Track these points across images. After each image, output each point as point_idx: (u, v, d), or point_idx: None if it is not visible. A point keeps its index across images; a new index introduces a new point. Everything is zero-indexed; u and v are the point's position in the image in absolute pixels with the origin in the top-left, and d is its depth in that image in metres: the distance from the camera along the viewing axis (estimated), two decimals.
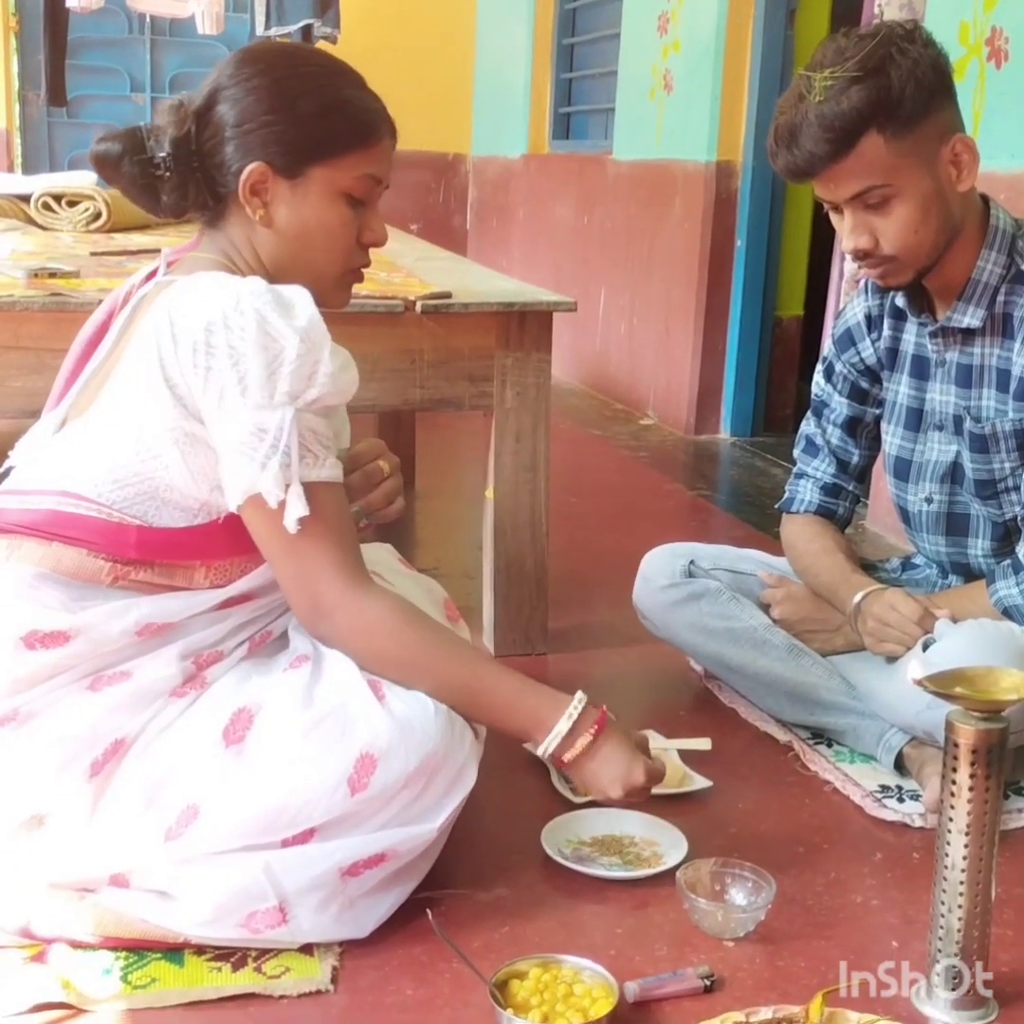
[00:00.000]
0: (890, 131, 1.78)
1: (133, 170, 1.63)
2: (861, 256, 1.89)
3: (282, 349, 1.51)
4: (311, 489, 1.53)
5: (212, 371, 1.50)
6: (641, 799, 1.67)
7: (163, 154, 1.61)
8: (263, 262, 1.65)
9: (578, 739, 1.62)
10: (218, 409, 1.51)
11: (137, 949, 1.51)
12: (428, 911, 1.55)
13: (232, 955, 1.52)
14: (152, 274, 1.70)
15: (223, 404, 1.51)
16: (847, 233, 1.87)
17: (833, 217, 1.91)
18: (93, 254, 2.90)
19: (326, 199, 1.63)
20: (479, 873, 1.71)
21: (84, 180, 3.64)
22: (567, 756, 1.62)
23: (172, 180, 1.62)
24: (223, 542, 1.62)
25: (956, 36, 3.10)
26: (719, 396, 4.86)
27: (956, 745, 1.39)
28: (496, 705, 1.64)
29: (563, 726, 1.61)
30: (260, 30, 5.52)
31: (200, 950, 1.52)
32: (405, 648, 1.61)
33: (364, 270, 1.73)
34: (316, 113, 1.61)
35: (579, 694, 1.65)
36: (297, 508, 1.52)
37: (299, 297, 1.56)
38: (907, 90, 1.77)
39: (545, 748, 1.62)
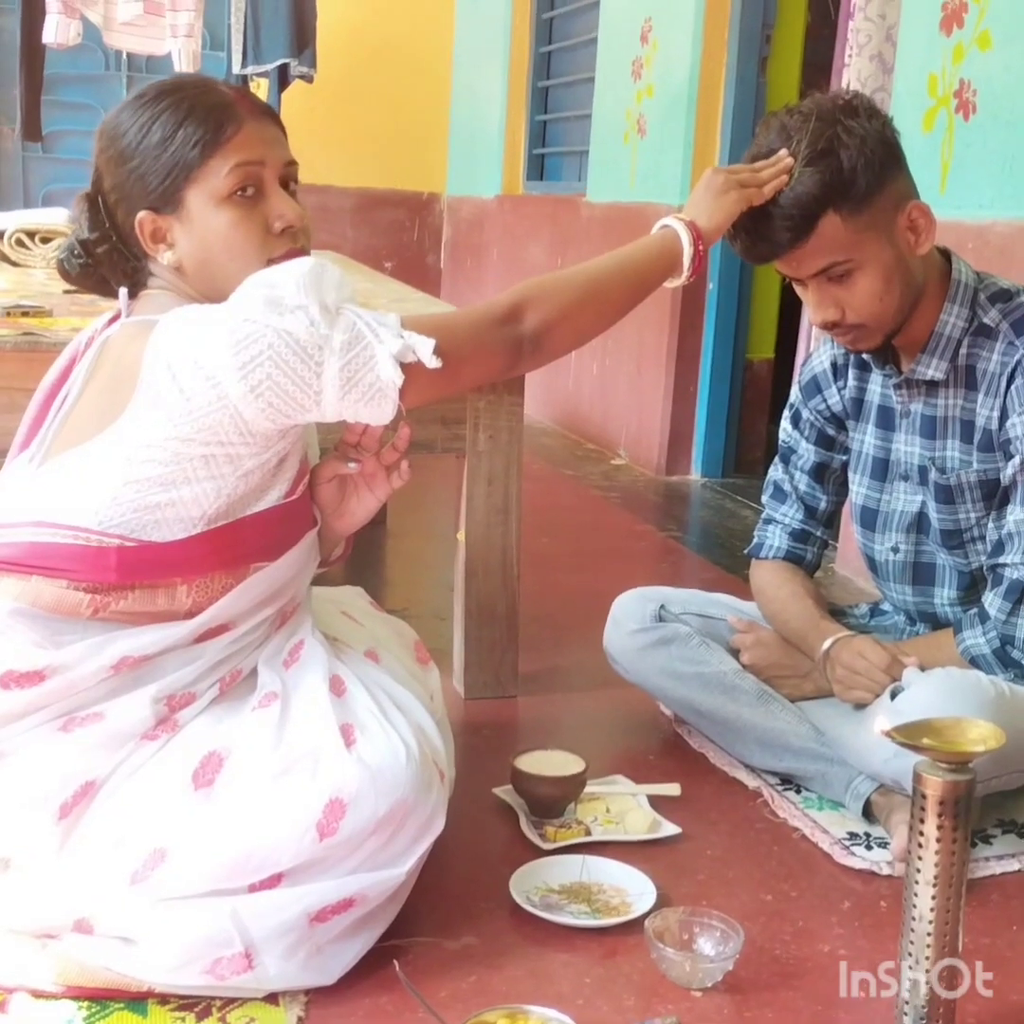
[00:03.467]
0: (846, 210, 1.82)
1: (78, 271, 1.71)
2: (829, 327, 1.93)
3: (304, 282, 1.52)
4: (408, 325, 1.60)
5: (274, 346, 1.49)
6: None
7: (82, 242, 1.68)
8: (202, 294, 1.65)
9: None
10: (308, 360, 1.51)
11: (100, 998, 1.50)
12: (395, 961, 1.54)
13: (196, 1005, 1.50)
14: (115, 318, 1.70)
15: (308, 354, 1.51)
16: (813, 307, 1.91)
17: (797, 288, 1.95)
18: (66, 292, 2.88)
19: (210, 211, 1.62)
20: (447, 921, 1.71)
21: (58, 217, 3.65)
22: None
23: (105, 263, 1.69)
24: (205, 555, 1.61)
25: (925, 87, 3.14)
26: (690, 437, 4.88)
27: (924, 796, 1.39)
28: (642, 275, 1.83)
29: (688, 248, 1.82)
30: (237, 68, 5.57)
31: (164, 1000, 1.50)
32: (574, 296, 1.75)
33: (297, 252, 1.67)
34: (162, 141, 1.61)
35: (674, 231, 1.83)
36: (425, 342, 1.58)
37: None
38: (859, 168, 1.80)
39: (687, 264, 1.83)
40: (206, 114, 1.62)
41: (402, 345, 1.57)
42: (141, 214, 1.62)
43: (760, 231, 1.84)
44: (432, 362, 1.58)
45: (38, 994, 1.49)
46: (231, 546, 1.62)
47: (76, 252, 1.70)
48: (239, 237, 1.62)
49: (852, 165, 1.80)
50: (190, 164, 1.61)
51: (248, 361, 1.49)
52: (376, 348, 1.55)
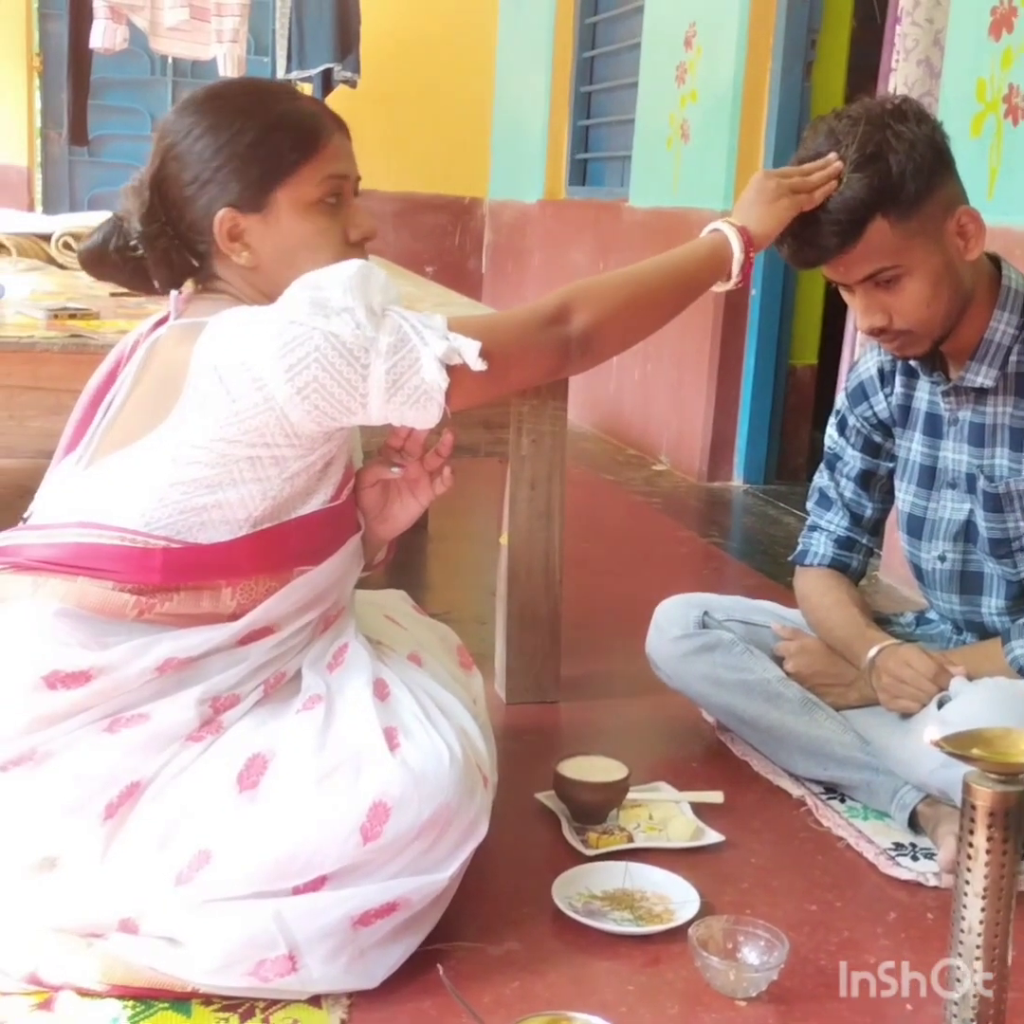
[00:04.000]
0: (895, 215, 1.80)
1: (117, 259, 1.68)
2: (877, 333, 1.91)
3: (352, 285, 1.53)
4: (455, 326, 1.60)
5: (321, 349, 1.50)
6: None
7: (137, 232, 1.65)
8: (267, 295, 1.65)
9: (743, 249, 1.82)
10: (355, 363, 1.52)
11: (145, 998, 1.50)
12: (438, 965, 1.54)
13: (240, 1006, 1.51)
14: (161, 321, 1.71)
15: (354, 356, 1.52)
16: (861, 313, 1.89)
17: (845, 295, 1.93)
18: (113, 295, 2.91)
19: (299, 215, 1.64)
20: (490, 926, 1.70)
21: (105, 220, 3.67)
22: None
23: (153, 255, 1.67)
24: (250, 558, 1.62)
25: (974, 93, 3.12)
26: (732, 443, 4.86)
27: (973, 807, 1.38)
28: (691, 278, 1.83)
29: (738, 253, 1.82)
30: (281, 73, 5.60)
31: (208, 1000, 1.51)
32: (622, 297, 1.75)
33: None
34: (258, 140, 1.62)
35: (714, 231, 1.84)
36: (471, 345, 1.58)
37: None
38: (908, 173, 1.79)
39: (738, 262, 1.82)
40: (301, 121, 1.65)
41: (447, 347, 1.57)
42: (222, 211, 1.61)
43: (807, 236, 1.83)
44: (477, 365, 1.58)
45: (84, 992, 1.50)
46: (275, 549, 1.63)
47: (121, 242, 1.68)
48: (323, 243, 1.64)
49: (901, 170, 1.78)
50: (285, 169, 1.62)
51: (295, 363, 1.50)
52: (421, 351, 1.55)
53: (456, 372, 1.58)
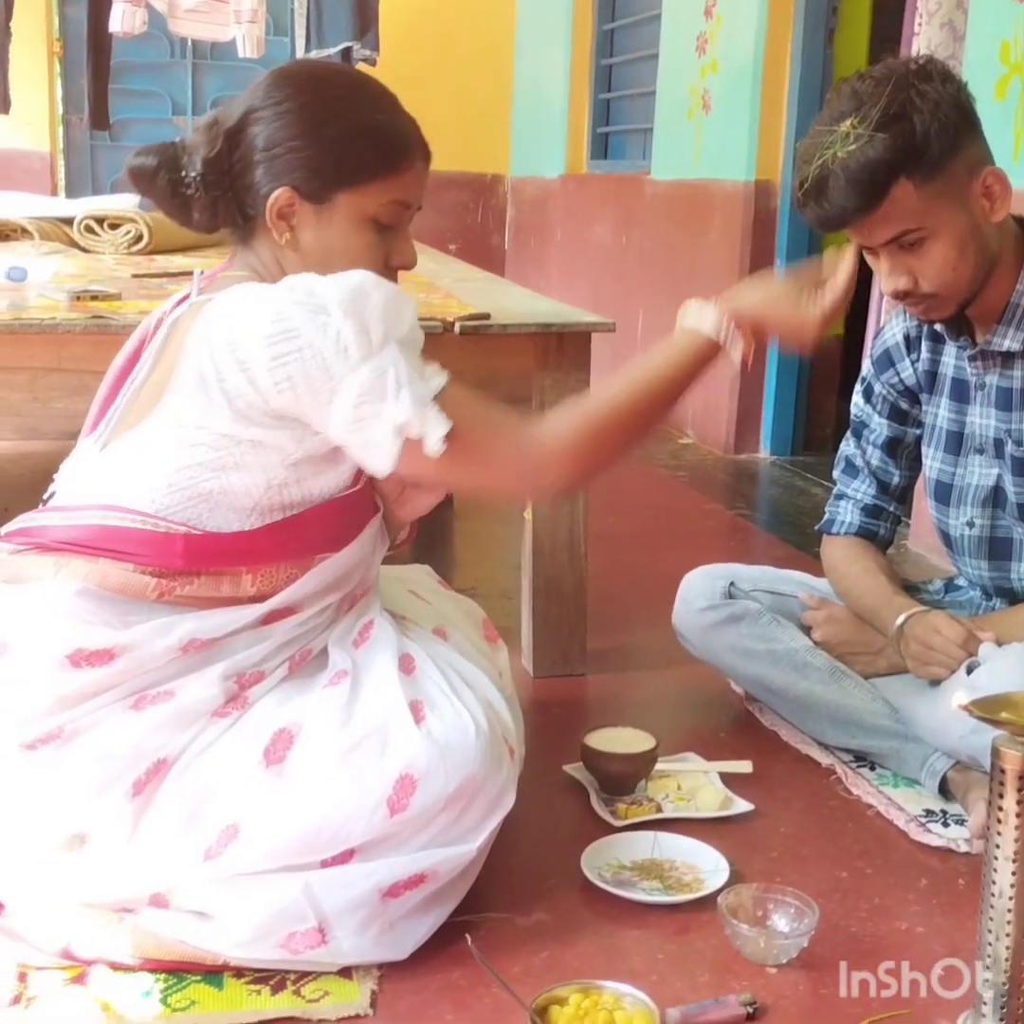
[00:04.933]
0: (919, 176, 1.77)
1: (166, 187, 1.64)
2: (901, 296, 1.88)
3: (360, 304, 1.51)
4: (440, 400, 1.53)
5: (303, 351, 1.49)
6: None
7: (195, 173, 1.62)
8: None
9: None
10: (328, 380, 1.49)
11: (176, 971, 1.51)
12: (467, 936, 1.54)
13: (271, 978, 1.51)
14: (183, 299, 1.71)
15: (330, 374, 1.49)
16: (885, 276, 1.87)
17: (869, 258, 1.91)
18: (135, 276, 2.92)
19: (352, 225, 1.63)
20: (518, 897, 1.71)
21: (126, 203, 3.68)
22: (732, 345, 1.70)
23: (203, 199, 1.63)
24: (270, 546, 1.62)
25: (998, 55, 3.08)
26: (758, 415, 4.84)
27: (1003, 771, 1.37)
28: (672, 389, 1.70)
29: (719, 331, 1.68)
30: (300, 53, 5.58)
31: (239, 973, 1.52)
32: (603, 433, 1.62)
33: None
34: (342, 138, 1.60)
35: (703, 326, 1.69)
36: (439, 426, 1.51)
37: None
38: (932, 133, 1.76)
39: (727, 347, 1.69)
40: (392, 137, 1.64)
41: (412, 416, 1.50)
42: (282, 189, 1.60)
43: (831, 198, 1.80)
44: (433, 449, 1.52)
45: (116, 966, 1.51)
46: (296, 538, 1.63)
47: (175, 173, 1.63)
48: (363, 258, 1.63)
49: (925, 130, 1.76)
50: (359, 177, 1.61)
51: (279, 356, 1.49)
52: (387, 408, 1.51)
53: (412, 444, 1.52)
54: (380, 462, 1.54)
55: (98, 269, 3.10)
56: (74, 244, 3.55)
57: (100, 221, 3.58)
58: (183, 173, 1.63)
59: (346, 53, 5.55)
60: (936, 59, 1.86)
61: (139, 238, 3.51)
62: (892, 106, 1.75)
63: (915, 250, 1.83)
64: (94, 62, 5.39)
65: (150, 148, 1.66)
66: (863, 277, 1.72)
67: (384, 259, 1.66)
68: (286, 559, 1.64)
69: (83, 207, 3.73)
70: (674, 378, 1.69)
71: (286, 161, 1.60)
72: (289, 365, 1.49)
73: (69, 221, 3.62)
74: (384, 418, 1.50)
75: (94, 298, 2.42)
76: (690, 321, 1.70)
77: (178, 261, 3.32)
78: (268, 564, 1.63)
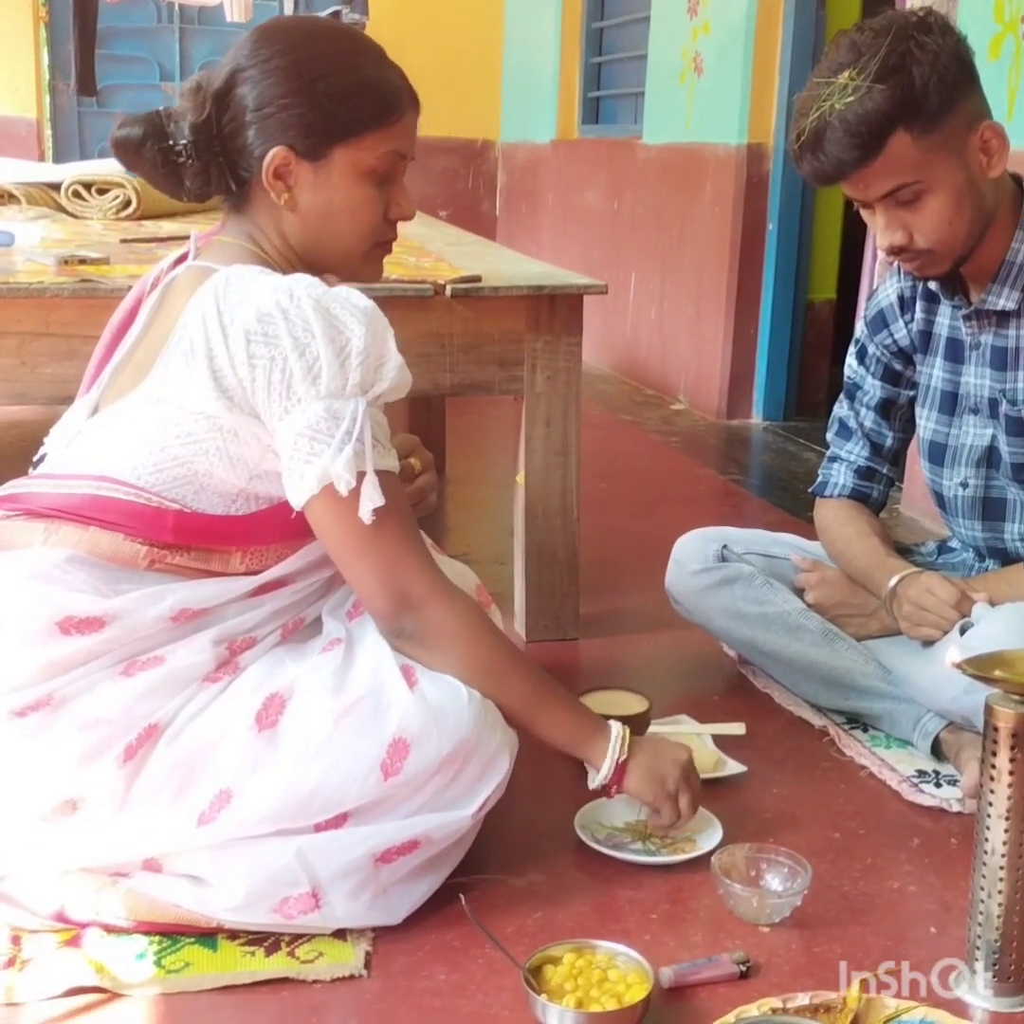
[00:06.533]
0: (917, 128, 1.75)
1: (155, 157, 1.61)
2: (896, 251, 1.87)
3: (348, 340, 1.51)
4: (382, 478, 1.53)
5: (275, 361, 1.49)
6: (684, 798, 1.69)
7: (184, 140, 1.59)
8: (290, 244, 1.64)
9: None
10: (284, 398, 1.50)
11: (170, 933, 1.51)
12: (461, 896, 1.55)
13: (265, 940, 1.52)
14: (181, 259, 1.69)
15: (290, 393, 1.50)
16: (881, 231, 1.85)
17: (864, 213, 1.89)
18: (123, 241, 2.90)
19: (350, 179, 1.62)
20: (512, 858, 1.71)
21: (114, 168, 3.63)
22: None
23: (194, 166, 1.61)
24: (261, 529, 1.62)
25: (992, 14, 3.06)
26: (751, 380, 4.83)
27: (996, 729, 1.37)
28: (552, 722, 1.66)
29: (607, 767, 1.65)
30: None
31: (233, 935, 1.52)
32: (487, 649, 1.62)
33: (392, 243, 1.72)
34: (336, 94, 1.58)
35: (615, 730, 1.67)
36: (373, 497, 1.51)
37: (351, 291, 1.56)
38: (931, 86, 1.74)
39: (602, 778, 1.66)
40: (384, 89, 1.62)
41: (342, 474, 1.49)
42: (277, 149, 1.58)
43: (827, 150, 1.78)
44: (364, 515, 1.51)
45: (111, 929, 1.51)
46: (284, 525, 1.61)
47: (163, 141, 1.59)
48: (364, 213, 1.63)
49: (924, 82, 1.74)
50: (355, 130, 1.59)
51: (253, 356, 1.50)
52: (324, 453, 1.50)
53: (331, 496, 1.51)
54: (293, 496, 1.54)
55: (86, 234, 3.08)
56: (61, 209, 3.52)
57: (88, 186, 3.54)
58: (171, 141, 1.60)
59: (335, 17, 5.50)
60: (936, 12, 1.84)
61: (127, 203, 3.48)
62: (891, 57, 1.73)
63: (911, 205, 1.81)
64: (80, 28, 5.34)
65: (134, 118, 1.62)
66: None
67: (383, 212, 1.65)
68: (277, 541, 1.64)
69: (70, 172, 3.69)
70: (557, 724, 1.67)
71: (279, 120, 1.58)
72: (257, 368, 1.50)
73: (56, 186, 3.59)
74: (316, 462, 1.50)
75: (82, 263, 2.40)
76: (614, 731, 1.67)
77: (167, 227, 3.29)
78: (258, 545, 1.63)
